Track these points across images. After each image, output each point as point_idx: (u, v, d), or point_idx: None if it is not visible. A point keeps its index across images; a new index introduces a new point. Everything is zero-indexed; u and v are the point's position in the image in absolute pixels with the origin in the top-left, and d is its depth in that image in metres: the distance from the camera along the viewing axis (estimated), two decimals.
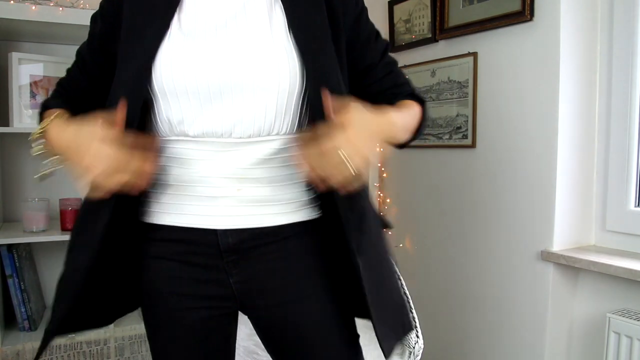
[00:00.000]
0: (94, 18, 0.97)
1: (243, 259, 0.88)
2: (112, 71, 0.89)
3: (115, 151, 0.77)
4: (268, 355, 1.59)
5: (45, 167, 0.89)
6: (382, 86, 0.98)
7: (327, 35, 0.88)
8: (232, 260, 0.88)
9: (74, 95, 0.98)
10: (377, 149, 0.82)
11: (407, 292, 1.69)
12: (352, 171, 0.74)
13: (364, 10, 0.98)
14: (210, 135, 0.84)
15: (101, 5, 0.95)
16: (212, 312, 0.91)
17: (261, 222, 0.87)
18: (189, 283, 0.89)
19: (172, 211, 0.88)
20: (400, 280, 1.72)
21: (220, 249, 0.86)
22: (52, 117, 0.88)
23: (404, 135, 0.92)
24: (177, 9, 0.87)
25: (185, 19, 0.86)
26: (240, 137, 0.84)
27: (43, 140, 0.88)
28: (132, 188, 0.79)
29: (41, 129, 0.87)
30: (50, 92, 1.03)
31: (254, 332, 1.65)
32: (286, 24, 0.87)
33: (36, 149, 0.89)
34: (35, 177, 0.89)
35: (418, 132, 0.97)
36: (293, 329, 0.92)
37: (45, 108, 0.96)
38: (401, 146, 0.96)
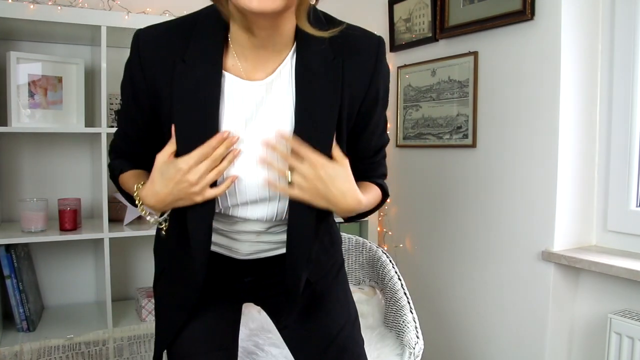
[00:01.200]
0: (126, 107, 0.99)
1: (258, 268, 1.09)
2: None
3: (198, 168, 0.86)
4: (267, 356, 1.59)
5: (160, 221, 1.01)
6: (364, 166, 1.05)
7: (332, 123, 0.91)
8: (248, 267, 1.09)
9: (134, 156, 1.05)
10: (329, 204, 0.89)
11: (407, 292, 1.68)
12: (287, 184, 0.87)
13: (380, 101, 0.98)
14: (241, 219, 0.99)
15: (131, 94, 0.95)
16: (226, 302, 1.12)
17: (269, 254, 1.07)
18: (217, 280, 1.07)
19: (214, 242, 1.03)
20: (400, 280, 1.72)
21: (240, 265, 1.08)
22: (137, 187, 0.95)
23: (358, 212, 0.98)
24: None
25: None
26: (264, 219, 0.99)
27: (143, 206, 0.95)
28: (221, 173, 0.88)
29: (138, 203, 0.95)
30: (110, 155, 1.09)
31: (254, 333, 1.65)
32: (293, 114, 0.90)
33: (152, 220, 0.99)
34: (160, 227, 1.02)
35: (368, 213, 1.05)
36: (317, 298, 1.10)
37: (120, 171, 1.03)
38: (349, 219, 1.05)
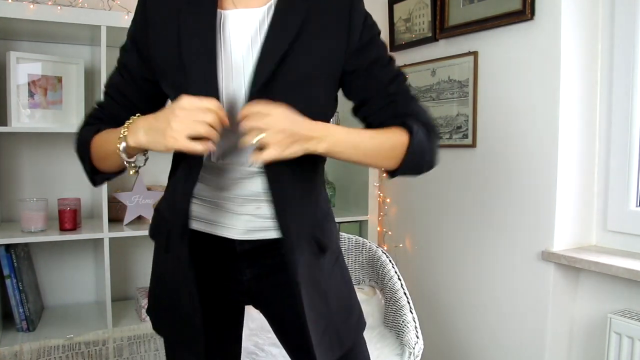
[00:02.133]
0: (124, 49, 1.00)
1: (255, 259, 1.01)
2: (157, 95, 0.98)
3: (188, 102, 0.82)
4: (267, 356, 1.59)
5: (135, 162, 0.92)
6: (381, 118, 0.97)
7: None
8: (246, 261, 1.01)
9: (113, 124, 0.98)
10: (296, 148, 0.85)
11: (406, 292, 1.68)
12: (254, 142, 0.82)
13: (373, 37, 0.97)
14: (237, 164, 0.95)
15: (131, 35, 0.98)
16: (225, 303, 1.06)
17: (266, 235, 0.99)
18: (210, 277, 1.02)
19: (203, 220, 1.00)
20: (400, 280, 1.72)
21: (237, 253, 1.00)
22: (129, 120, 0.90)
23: (356, 155, 0.92)
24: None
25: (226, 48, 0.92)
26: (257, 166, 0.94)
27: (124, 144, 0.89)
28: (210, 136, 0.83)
29: (123, 135, 0.89)
30: (82, 123, 1.01)
31: (254, 332, 1.65)
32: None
33: (128, 162, 0.92)
34: (131, 174, 0.94)
35: (405, 161, 0.95)
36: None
37: (97, 131, 0.97)
38: (392, 174, 0.99)
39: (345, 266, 1.09)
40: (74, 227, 1.85)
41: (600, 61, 1.70)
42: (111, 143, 0.90)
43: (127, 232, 1.88)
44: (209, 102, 0.82)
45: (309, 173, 0.97)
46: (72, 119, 1.91)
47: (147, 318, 1.92)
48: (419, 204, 2.23)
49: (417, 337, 1.53)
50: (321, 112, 0.95)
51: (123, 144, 0.88)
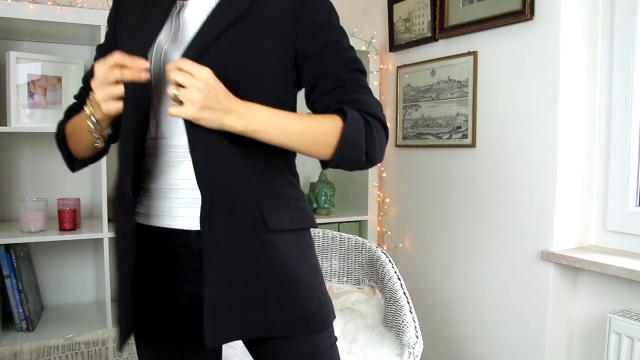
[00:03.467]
0: (100, 44, 1.05)
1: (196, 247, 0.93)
2: None
3: (100, 68, 0.83)
4: None
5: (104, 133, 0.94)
6: (326, 103, 0.93)
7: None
8: (187, 248, 0.94)
9: None
10: (210, 114, 0.82)
11: (406, 292, 1.68)
12: (171, 94, 0.80)
13: (329, 21, 0.94)
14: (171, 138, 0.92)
15: (107, 31, 1.03)
16: (187, 309, 0.97)
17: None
18: (166, 279, 0.96)
19: (155, 213, 0.95)
20: (400, 280, 1.72)
21: (194, 251, 0.93)
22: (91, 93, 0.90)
23: (281, 137, 0.87)
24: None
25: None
26: None
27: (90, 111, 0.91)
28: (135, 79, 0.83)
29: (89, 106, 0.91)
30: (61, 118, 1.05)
31: None
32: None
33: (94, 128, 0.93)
34: (96, 145, 0.95)
35: (338, 149, 0.89)
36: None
37: (60, 128, 1.01)
38: (325, 164, 0.93)
39: (312, 256, 1.00)
40: (74, 227, 1.85)
41: (599, 61, 1.70)
42: (81, 124, 0.93)
43: None
44: (112, 59, 0.82)
45: (257, 149, 0.89)
46: None
47: None
48: (418, 204, 2.23)
49: (417, 337, 1.53)
50: (264, 95, 0.89)
51: (93, 119, 0.90)
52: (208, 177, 0.87)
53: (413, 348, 1.50)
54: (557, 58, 1.63)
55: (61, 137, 1.01)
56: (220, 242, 0.87)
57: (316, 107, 0.95)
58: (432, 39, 2.10)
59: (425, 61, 2.15)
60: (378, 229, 2.42)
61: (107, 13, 1.78)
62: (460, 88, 1.98)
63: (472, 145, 1.94)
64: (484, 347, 1.93)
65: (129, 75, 0.81)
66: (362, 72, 0.96)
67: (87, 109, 0.90)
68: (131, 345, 1.84)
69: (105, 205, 1.84)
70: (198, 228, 0.88)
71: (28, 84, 1.82)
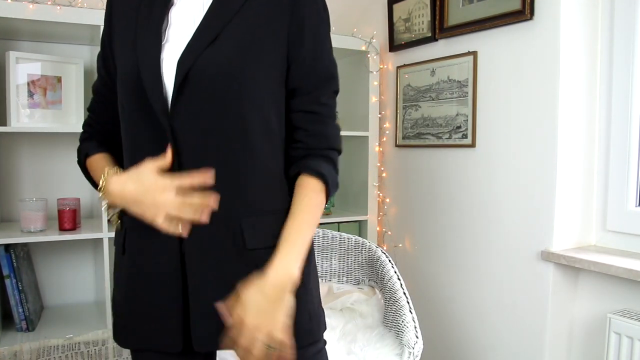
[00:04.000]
0: (99, 56, 1.02)
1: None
2: None
3: (175, 197, 0.84)
4: None
5: (112, 213, 0.98)
6: (299, 122, 0.96)
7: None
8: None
9: (103, 130, 1.05)
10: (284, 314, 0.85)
11: (406, 292, 1.68)
12: (269, 347, 0.82)
13: (317, 27, 0.95)
14: None
15: (102, 37, 1.01)
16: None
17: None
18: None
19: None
20: (399, 280, 1.72)
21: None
22: (104, 176, 0.93)
23: (308, 243, 0.92)
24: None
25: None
26: None
27: (106, 200, 0.94)
28: (197, 220, 0.86)
29: (101, 191, 0.93)
30: (80, 136, 1.08)
31: None
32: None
33: (109, 212, 0.97)
34: (109, 218, 0.99)
35: (325, 204, 0.98)
36: None
37: (85, 156, 1.03)
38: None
39: (309, 276, 1.00)
40: (74, 227, 1.85)
41: (599, 61, 1.70)
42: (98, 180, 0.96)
43: None
44: (178, 182, 0.84)
45: (234, 160, 0.90)
46: (71, 118, 1.91)
47: None
48: (418, 204, 2.23)
49: (417, 337, 1.53)
50: (259, 97, 0.91)
51: (106, 204, 0.94)
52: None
53: (413, 348, 1.50)
54: (557, 58, 1.63)
55: (83, 168, 1.04)
56: (204, 257, 0.90)
57: (292, 118, 0.96)
58: (432, 39, 2.10)
59: (425, 61, 2.15)
60: (378, 229, 2.42)
61: None
62: (460, 88, 1.98)
63: (472, 145, 1.94)
64: (484, 347, 1.93)
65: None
66: (336, 92, 0.99)
67: (105, 203, 0.94)
68: None
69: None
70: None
71: (28, 84, 1.82)
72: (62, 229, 1.83)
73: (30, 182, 2.03)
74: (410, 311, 1.60)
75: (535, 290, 1.73)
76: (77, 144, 1.09)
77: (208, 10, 0.90)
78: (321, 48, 0.95)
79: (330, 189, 0.95)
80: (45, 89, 1.86)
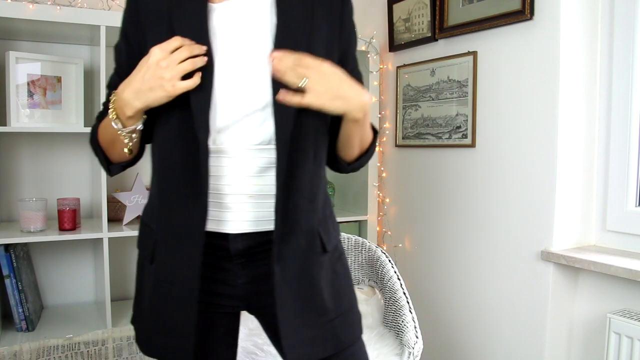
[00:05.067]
0: (118, 49, 1.01)
1: (250, 261, 0.98)
2: None
3: (161, 51, 0.86)
4: (266, 356, 1.59)
5: (127, 137, 0.94)
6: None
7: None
8: (240, 263, 0.98)
9: None
10: (339, 103, 0.89)
11: (406, 292, 1.68)
12: (300, 84, 0.85)
13: (353, 33, 1.03)
14: (234, 145, 0.93)
15: (123, 31, 0.99)
16: (218, 308, 1.01)
17: (261, 228, 0.95)
18: (203, 282, 0.96)
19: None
20: (399, 280, 1.72)
21: (231, 253, 0.96)
22: (112, 97, 0.93)
23: (364, 133, 0.99)
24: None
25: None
26: (255, 141, 0.93)
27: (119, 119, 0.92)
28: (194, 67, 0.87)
29: (113, 105, 0.92)
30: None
31: (253, 332, 1.65)
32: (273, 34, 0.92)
33: (124, 136, 0.94)
34: (125, 150, 0.95)
35: (365, 153, 1.05)
36: None
37: (92, 133, 1.01)
38: (347, 166, 1.07)
39: (347, 266, 1.08)
40: (73, 227, 1.85)
41: (599, 61, 1.70)
42: (110, 126, 0.93)
43: (127, 232, 1.88)
44: (174, 42, 0.86)
45: (319, 168, 0.98)
46: (71, 118, 1.91)
47: None
48: (418, 204, 2.23)
49: (417, 337, 1.53)
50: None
51: (119, 124, 0.91)
52: (289, 205, 0.92)
53: (413, 348, 1.50)
54: (556, 58, 1.64)
55: (95, 142, 1.00)
56: (288, 266, 0.93)
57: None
58: (432, 39, 2.10)
59: (425, 61, 2.15)
60: (378, 229, 2.42)
61: (107, 13, 1.80)
62: (460, 88, 1.98)
63: (472, 145, 1.95)
64: (484, 347, 1.93)
65: (191, 57, 0.86)
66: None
67: (111, 114, 0.91)
68: (131, 345, 1.84)
69: (105, 205, 1.84)
70: (235, 232, 0.94)
71: (28, 83, 1.82)
72: (61, 229, 1.83)
73: (30, 182, 2.03)
74: (410, 311, 1.60)
75: (535, 290, 1.73)
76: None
77: (277, 34, 0.91)
78: (357, 64, 1.06)
79: (375, 141, 1.06)
80: (45, 89, 1.86)
